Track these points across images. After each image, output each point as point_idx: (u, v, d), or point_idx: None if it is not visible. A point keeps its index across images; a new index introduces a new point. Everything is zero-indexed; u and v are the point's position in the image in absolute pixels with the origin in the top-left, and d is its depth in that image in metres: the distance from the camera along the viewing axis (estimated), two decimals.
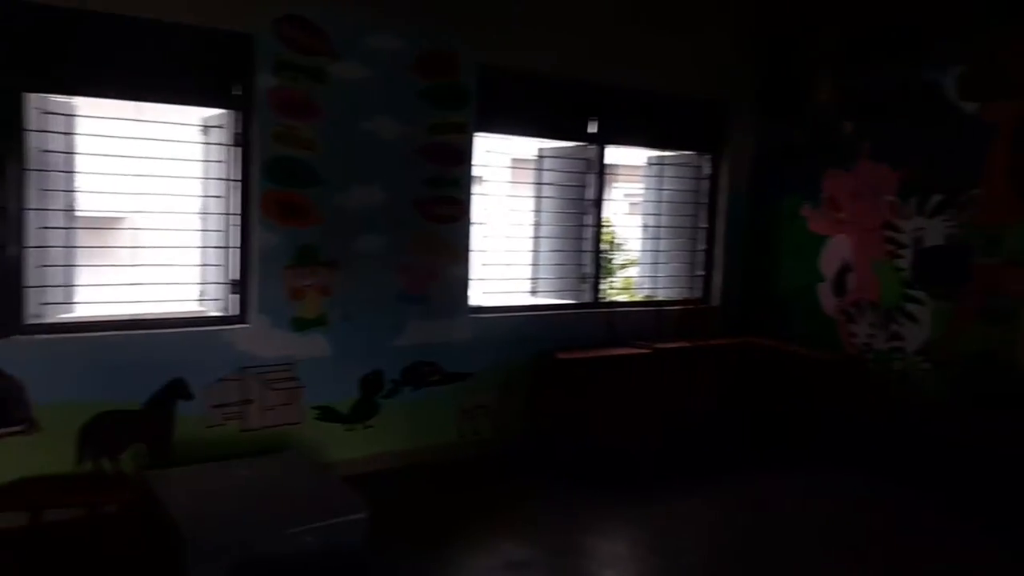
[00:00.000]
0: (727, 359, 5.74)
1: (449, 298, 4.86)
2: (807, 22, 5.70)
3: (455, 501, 4.26)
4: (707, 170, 6.13)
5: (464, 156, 4.85)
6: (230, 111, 4.23)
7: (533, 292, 5.35)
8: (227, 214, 4.27)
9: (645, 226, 5.99)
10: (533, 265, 5.34)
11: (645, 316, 5.75)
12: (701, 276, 6.20)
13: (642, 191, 6.11)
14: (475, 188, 4.97)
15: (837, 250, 5.52)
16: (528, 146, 5.29)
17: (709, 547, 3.82)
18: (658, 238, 6.02)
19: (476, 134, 4.91)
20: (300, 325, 4.38)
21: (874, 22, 5.26)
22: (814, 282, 5.68)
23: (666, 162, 6.02)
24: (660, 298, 5.98)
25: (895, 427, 4.94)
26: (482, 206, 5.09)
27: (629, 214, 5.95)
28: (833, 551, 3.80)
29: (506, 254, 5.33)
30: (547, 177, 5.35)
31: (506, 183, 5.25)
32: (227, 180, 4.25)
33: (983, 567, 3.69)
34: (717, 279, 6.16)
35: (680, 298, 6.03)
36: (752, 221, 6.15)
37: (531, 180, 5.37)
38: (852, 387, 5.22)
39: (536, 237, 5.33)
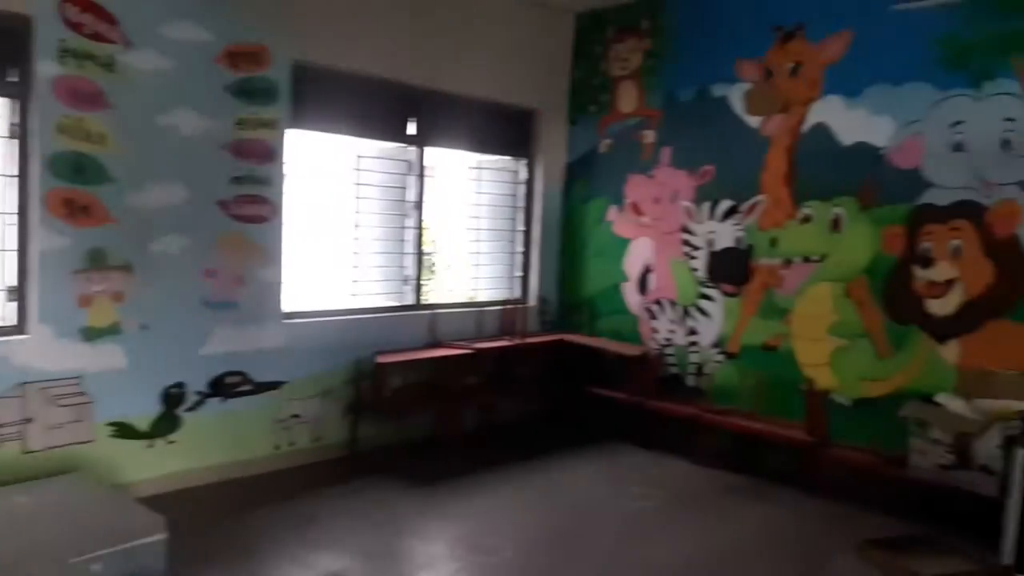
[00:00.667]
0: (543, 356, 5.96)
1: (259, 303, 4.66)
2: (615, 39, 6.02)
3: (269, 515, 4.09)
4: (523, 175, 6.32)
5: (275, 154, 4.68)
6: (5, 99, 3.81)
7: (353, 295, 5.25)
8: (1, 213, 3.84)
9: (468, 228, 6.07)
10: (353, 267, 5.24)
11: (467, 317, 5.84)
12: (520, 277, 6.38)
13: (465, 194, 6.19)
14: (288, 187, 4.79)
15: (640, 252, 5.89)
16: (347, 145, 5.18)
17: (523, 540, 3.93)
18: (480, 240, 6.12)
19: (289, 131, 4.74)
20: (90, 335, 4.03)
21: (673, 42, 5.66)
22: (620, 282, 6.02)
23: (486, 166, 6.14)
24: (482, 299, 6.09)
25: (694, 415, 5.34)
26: (296, 206, 4.92)
27: (453, 216, 5.99)
28: (636, 533, 4.04)
29: (324, 256, 5.19)
30: (367, 178, 5.28)
31: (324, 183, 5.10)
32: (1, 176, 3.83)
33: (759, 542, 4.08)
34: (534, 280, 6.37)
35: (501, 299, 6.17)
36: (565, 224, 6.42)
37: (350, 180, 5.26)
38: (653, 378, 5.58)
39: (356, 239, 5.23)
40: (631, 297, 5.96)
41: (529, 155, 6.31)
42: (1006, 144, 4.17)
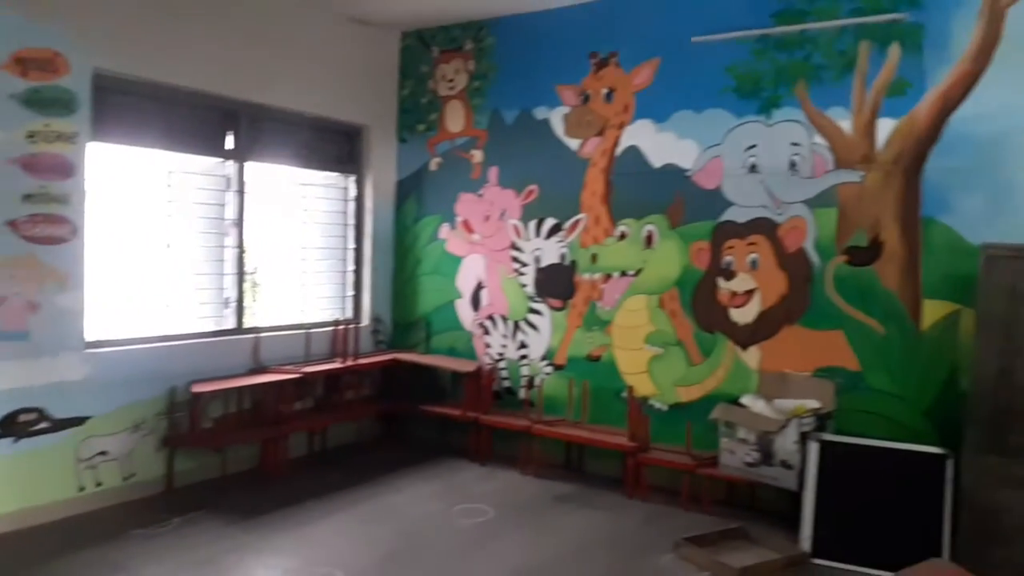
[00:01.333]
0: (376, 377, 5.88)
1: (56, 332, 4.26)
2: (441, 60, 6.10)
3: (69, 566, 3.73)
4: (353, 192, 6.23)
5: (74, 169, 4.32)
6: None
7: (167, 320, 4.92)
8: None
9: (295, 247, 5.88)
10: (167, 290, 4.92)
11: (295, 340, 5.64)
12: (352, 296, 6.26)
13: (292, 211, 6.00)
14: (90, 205, 4.43)
15: (472, 269, 5.97)
16: (158, 160, 4.86)
17: (354, 566, 3.84)
18: (308, 259, 5.95)
19: (91, 145, 4.40)
20: None
21: (497, 65, 5.81)
22: (453, 299, 6.07)
23: (314, 183, 5.99)
24: (311, 320, 5.91)
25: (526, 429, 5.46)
26: (102, 225, 4.56)
27: (279, 235, 5.78)
28: (467, 548, 4.06)
29: (134, 279, 4.83)
30: (182, 194, 4.98)
31: (133, 200, 4.75)
32: None
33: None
34: (367, 299, 6.28)
35: (331, 319, 6.02)
36: (397, 242, 6.39)
37: (162, 197, 4.95)
38: (487, 393, 5.65)
39: (170, 259, 4.92)
40: (465, 314, 6.02)
41: (358, 172, 6.23)
42: (793, 166, 4.61)
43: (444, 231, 6.13)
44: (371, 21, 5.97)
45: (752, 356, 4.76)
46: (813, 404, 4.36)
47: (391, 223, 6.39)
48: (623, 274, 5.23)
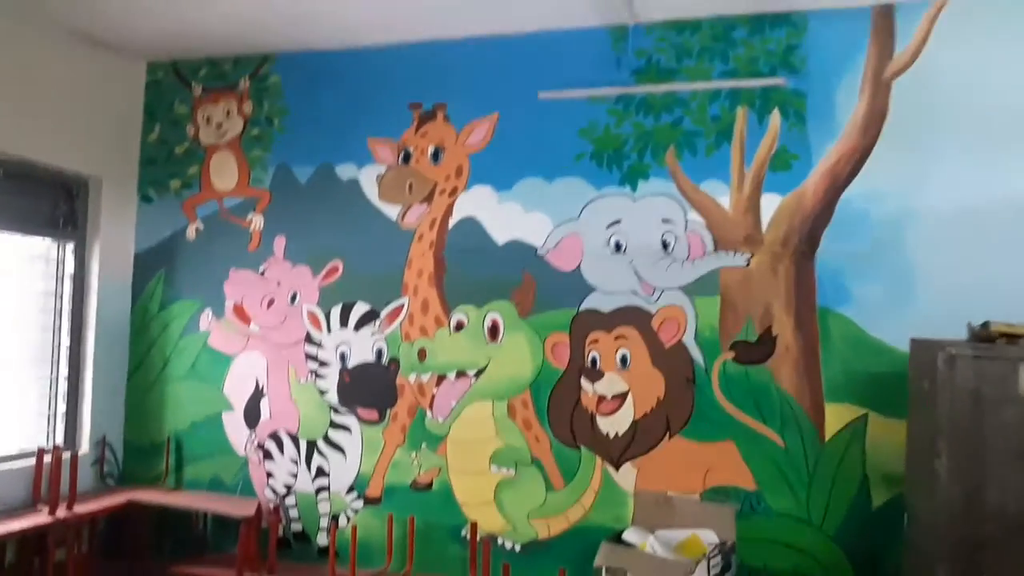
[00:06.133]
0: (101, 529, 4.11)
1: None
2: (205, 99, 4.68)
3: None
4: (71, 266, 4.48)
5: None
6: None
7: None
8: None
9: None
10: None
11: None
12: (64, 413, 4.43)
13: None
14: None
15: (248, 371, 4.49)
16: None
17: None
18: None
19: None
20: None
21: (285, 110, 4.54)
22: (219, 411, 4.51)
23: (10, 252, 4.17)
24: None
25: None
26: None
27: None
28: None
29: None
30: None
31: None
32: None
33: None
34: (87, 416, 4.48)
35: (30, 449, 4.15)
36: (135, 335, 4.70)
37: None
38: (269, 542, 4.13)
39: None
40: (236, 432, 4.48)
41: (79, 239, 4.51)
42: (665, 246, 3.89)
43: (206, 320, 4.59)
44: (106, 43, 4.41)
45: (626, 475, 3.88)
46: (709, 536, 3.54)
47: (126, 309, 4.71)
48: (460, 374, 4.13)
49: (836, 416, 3.64)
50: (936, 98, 3.57)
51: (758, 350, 3.76)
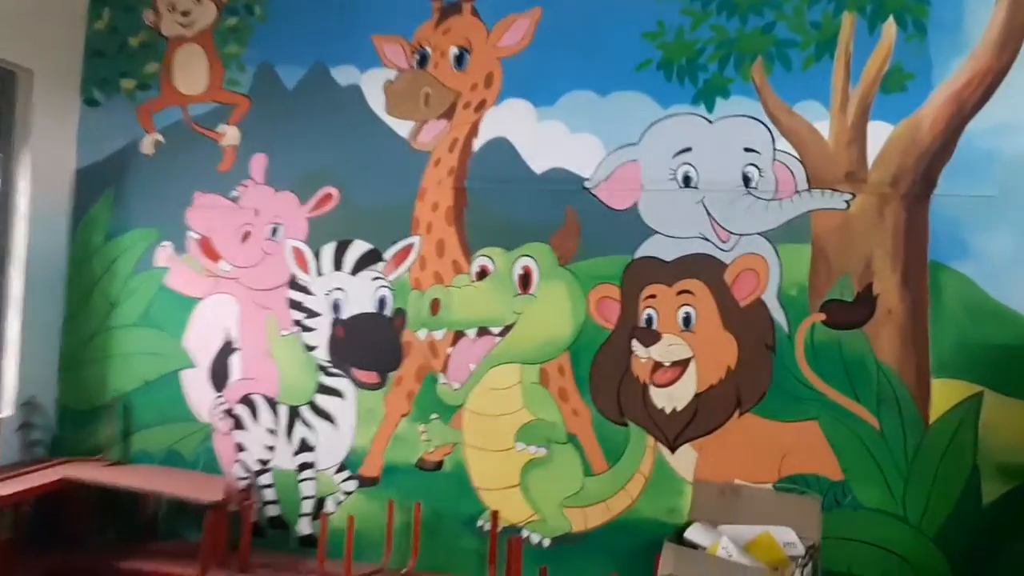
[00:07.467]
0: (29, 510, 3.34)
1: None
2: None
3: None
4: None
5: None
6: None
7: None
8: None
9: None
10: None
11: None
12: None
13: None
14: None
15: (215, 319, 3.75)
16: None
17: None
18: None
19: None
20: None
21: None
22: (178, 369, 3.75)
23: None
24: None
25: None
26: None
27: None
28: None
29: None
30: None
31: None
32: None
33: None
34: (11, 373, 3.68)
35: None
36: (73, 273, 3.89)
37: None
38: (238, 530, 3.38)
39: None
40: (198, 395, 3.74)
41: (4, 147, 3.68)
42: (747, 181, 3.24)
43: (164, 255, 3.82)
44: None
45: (684, 459, 3.26)
46: (785, 534, 2.93)
47: (63, 240, 3.91)
48: (482, 332, 3.44)
49: (944, 394, 3.11)
50: None
51: (854, 312, 3.17)
